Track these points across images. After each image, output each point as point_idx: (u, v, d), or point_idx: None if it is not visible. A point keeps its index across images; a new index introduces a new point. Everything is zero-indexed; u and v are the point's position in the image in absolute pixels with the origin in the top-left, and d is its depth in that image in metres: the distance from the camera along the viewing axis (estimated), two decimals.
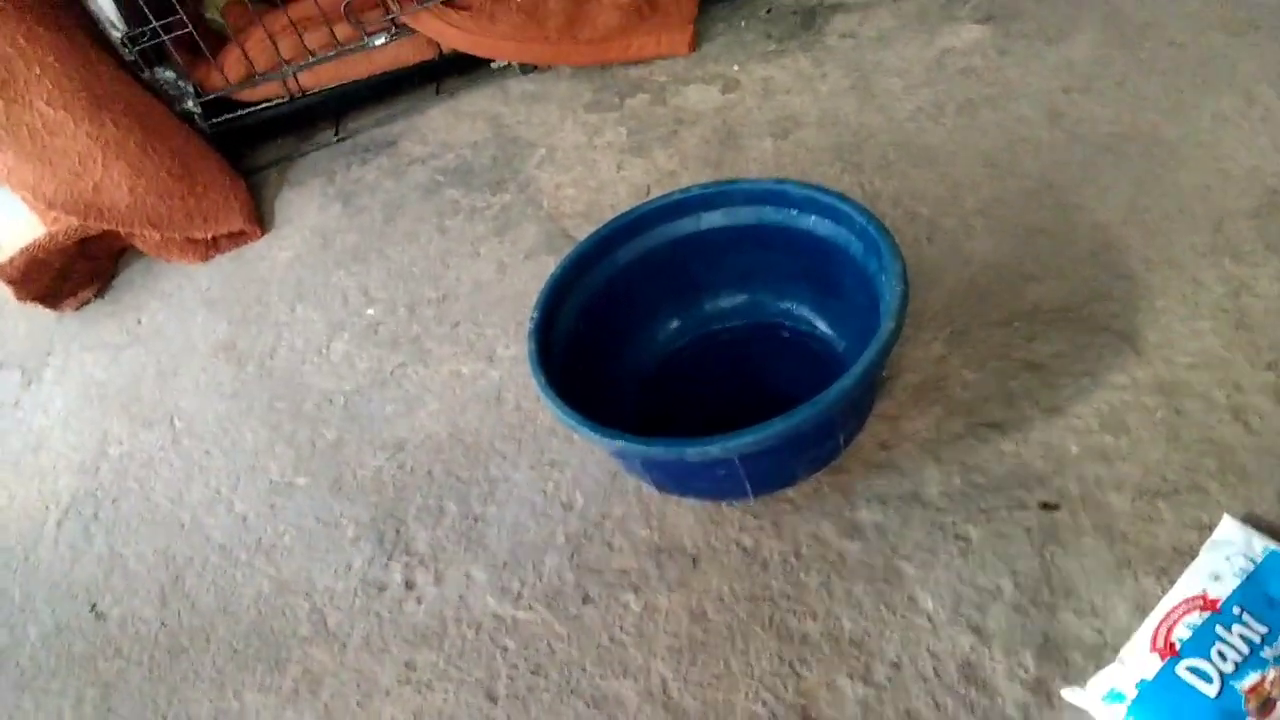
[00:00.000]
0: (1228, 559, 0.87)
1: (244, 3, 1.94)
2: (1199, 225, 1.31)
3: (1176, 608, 0.86)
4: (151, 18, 1.80)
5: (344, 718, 1.13)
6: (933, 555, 1.06)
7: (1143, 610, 0.94)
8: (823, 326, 1.30)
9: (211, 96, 1.94)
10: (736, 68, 1.86)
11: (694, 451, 1.03)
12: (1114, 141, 1.47)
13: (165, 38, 1.83)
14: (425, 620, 1.19)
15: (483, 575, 1.21)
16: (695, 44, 1.94)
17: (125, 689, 1.24)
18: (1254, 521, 0.95)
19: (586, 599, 1.15)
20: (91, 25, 1.82)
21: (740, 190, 1.28)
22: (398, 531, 1.29)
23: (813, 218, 1.23)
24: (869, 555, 1.08)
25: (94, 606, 1.34)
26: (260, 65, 1.92)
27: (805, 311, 1.32)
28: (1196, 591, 0.86)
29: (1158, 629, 0.85)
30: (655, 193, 1.61)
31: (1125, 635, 0.92)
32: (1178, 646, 0.83)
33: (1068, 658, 0.94)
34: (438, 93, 2.06)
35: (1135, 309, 1.23)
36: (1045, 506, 1.06)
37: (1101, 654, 0.93)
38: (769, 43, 1.90)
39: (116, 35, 1.81)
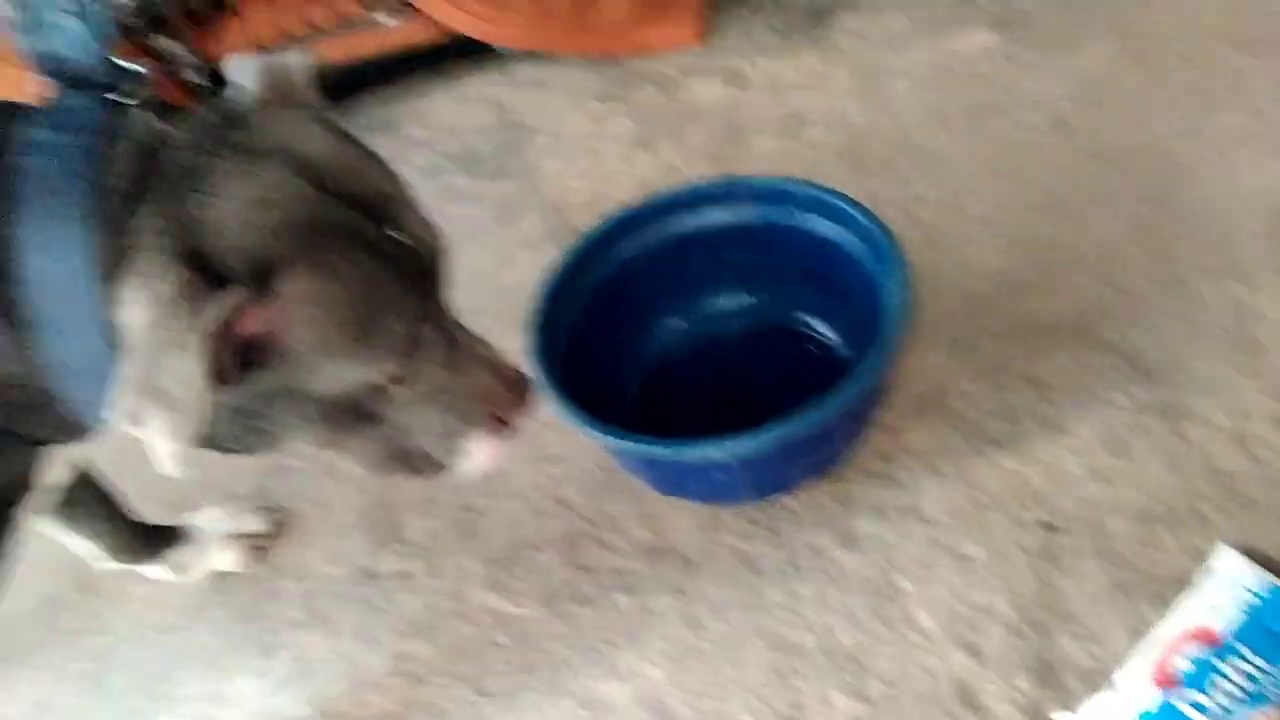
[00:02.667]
0: (1228, 591, 0.88)
1: None
2: (1206, 244, 1.30)
3: (1176, 639, 0.86)
4: None
5: (335, 705, 1.13)
6: (930, 571, 1.06)
7: (1139, 636, 0.94)
8: (825, 330, 1.30)
9: (212, 67, 1.91)
10: (745, 63, 1.85)
11: (693, 453, 1.03)
12: (1121, 155, 1.46)
13: (165, 9, 1.81)
14: (418, 611, 1.19)
15: (477, 568, 1.21)
16: (705, 37, 1.92)
17: (114, 666, 1.23)
18: (1255, 553, 0.95)
19: (580, 598, 1.15)
20: None
21: (746, 187, 1.27)
22: (392, 520, 1.29)
23: (817, 219, 1.23)
24: (866, 568, 1.09)
25: (88, 582, 1.33)
26: (264, 39, 1.90)
27: (808, 314, 1.32)
28: (1196, 623, 0.87)
29: (1159, 660, 0.85)
30: (660, 186, 1.60)
31: (1121, 662, 0.93)
32: (1178, 679, 0.83)
33: (1063, 682, 0.95)
34: (443, 76, 2.04)
35: (1139, 327, 1.23)
36: (1045, 527, 1.07)
37: (1097, 680, 0.93)
38: (778, 38, 1.88)
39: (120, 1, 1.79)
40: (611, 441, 1.08)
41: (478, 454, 0.88)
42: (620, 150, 1.74)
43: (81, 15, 0.74)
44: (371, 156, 0.81)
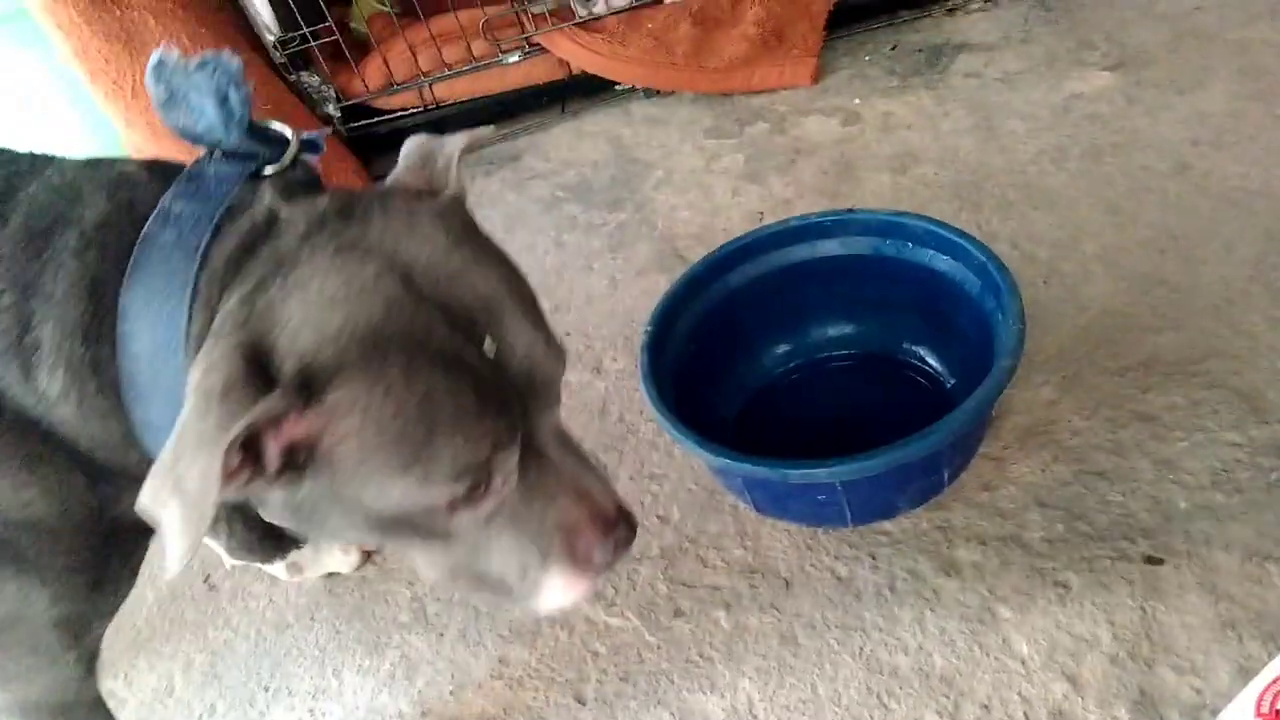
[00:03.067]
0: None
1: (388, 14, 2.04)
2: None
3: None
4: (302, 24, 1.91)
5: (436, 705, 1.17)
6: (1030, 599, 1.06)
7: (1246, 674, 0.92)
8: (933, 361, 1.31)
9: (351, 102, 2.03)
10: (858, 101, 1.88)
11: (798, 474, 1.05)
12: (1242, 197, 1.44)
13: (314, 44, 1.93)
14: (520, 619, 1.22)
15: None
16: (819, 76, 1.96)
17: (232, 658, 1.30)
18: None
19: (678, 612, 1.17)
20: (248, 28, 1.93)
21: (857, 220, 1.29)
22: None
23: (930, 252, 1.24)
24: (965, 594, 1.08)
25: (207, 578, 1.41)
26: (399, 75, 2.01)
27: (916, 345, 1.33)
28: None
29: (1262, 694, 0.83)
30: (769, 219, 1.64)
31: (1226, 698, 0.90)
32: None
33: (1163, 714, 0.93)
34: (563, 111, 2.12)
35: (1255, 367, 1.20)
36: (1149, 560, 1.05)
37: (1199, 715, 0.91)
38: (892, 78, 1.91)
39: (270, 39, 1.92)
40: (717, 460, 1.09)
41: (553, 591, 0.78)
42: (731, 184, 1.78)
43: (222, 102, 0.72)
44: (489, 260, 0.75)
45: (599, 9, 1.94)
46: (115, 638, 1.35)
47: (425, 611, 1.27)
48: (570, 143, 2.03)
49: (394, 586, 1.31)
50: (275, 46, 1.93)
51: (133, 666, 1.33)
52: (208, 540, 1.27)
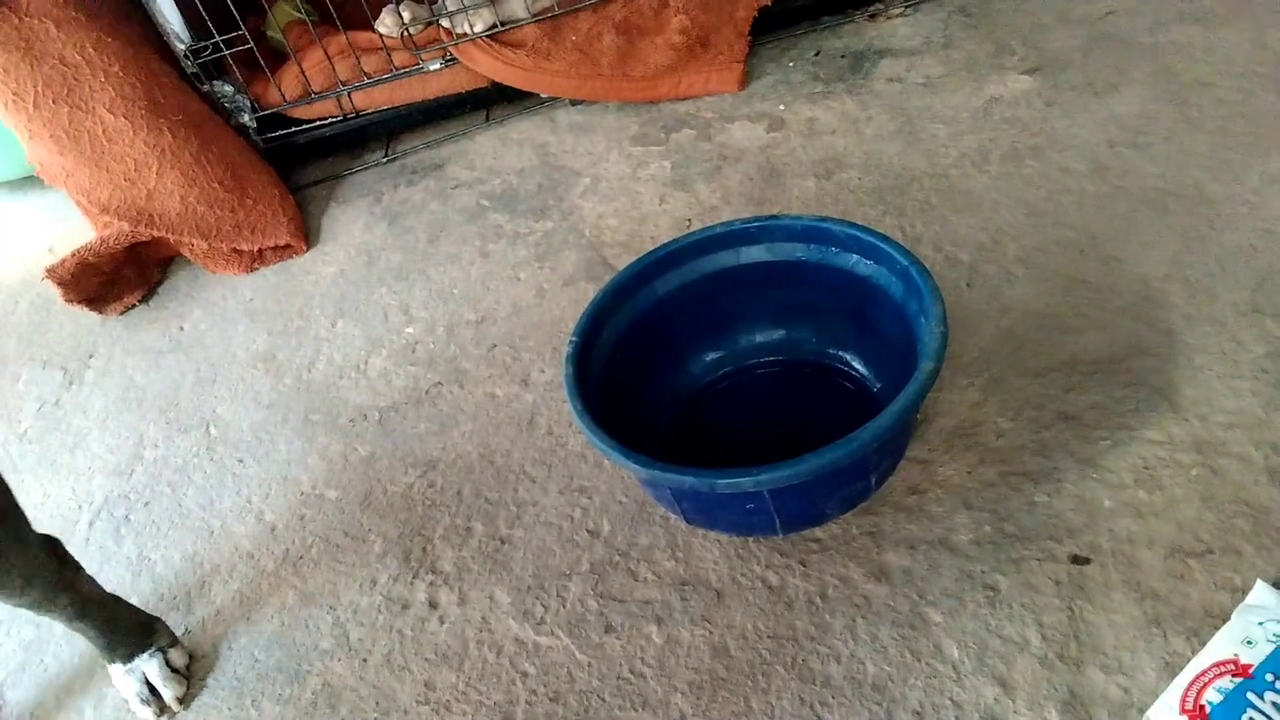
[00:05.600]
0: (1261, 624, 0.86)
1: (305, 23, 1.99)
2: (1241, 284, 1.29)
3: (1206, 670, 0.85)
4: (215, 32, 1.85)
5: None
6: (960, 603, 1.05)
7: (1172, 670, 0.93)
8: (859, 366, 1.31)
9: (267, 112, 1.98)
10: (782, 107, 1.88)
11: (725, 483, 1.03)
12: (1159, 197, 1.46)
13: (226, 52, 1.88)
14: (447, 640, 1.19)
15: (506, 598, 1.21)
16: (744, 83, 1.95)
17: None
18: None
19: (609, 628, 1.15)
20: (157, 37, 1.87)
21: (782, 226, 1.28)
22: (424, 550, 1.30)
23: (854, 257, 1.24)
24: (895, 600, 1.08)
25: None
26: (317, 85, 1.96)
27: (842, 350, 1.32)
28: (1228, 655, 0.85)
29: (1187, 690, 0.84)
30: (696, 226, 1.63)
31: (1152, 695, 0.91)
32: (1208, 710, 0.82)
33: (1093, 714, 0.93)
34: (487, 120, 2.09)
35: (1174, 365, 1.22)
36: (1075, 560, 1.05)
37: (1127, 713, 0.92)
38: (816, 84, 1.91)
39: (181, 48, 1.86)
40: (643, 471, 1.07)
41: None
42: (658, 191, 1.77)
43: None
44: None
45: (477, 28, 1.92)
46: None
47: (348, 637, 1.23)
48: (495, 151, 2.01)
49: (315, 612, 1.27)
50: (186, 56, 1.87)
51: (39, 705, 1.27)
52: None
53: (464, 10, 1.91)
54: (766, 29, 2.04)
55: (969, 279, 1.42)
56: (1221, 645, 0.87)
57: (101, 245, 1.82)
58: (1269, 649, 0.84)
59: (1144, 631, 0.98)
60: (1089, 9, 1.90)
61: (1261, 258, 1.32)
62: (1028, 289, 1.38)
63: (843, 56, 1.97)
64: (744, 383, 1.36)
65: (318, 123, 2.04)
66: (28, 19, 1.68)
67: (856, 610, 1.08)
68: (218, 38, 1.86)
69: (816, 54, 2.00)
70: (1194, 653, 0.91)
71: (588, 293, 1.46)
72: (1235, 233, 1.37)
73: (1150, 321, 1.28)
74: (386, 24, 1.94)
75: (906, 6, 2.05)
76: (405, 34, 1.94)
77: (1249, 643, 0.85)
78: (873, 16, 2.05)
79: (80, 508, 1.52)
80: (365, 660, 1.20)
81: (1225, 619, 0.92)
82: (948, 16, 1.99)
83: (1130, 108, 1.64)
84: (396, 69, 1.97)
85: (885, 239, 1.19)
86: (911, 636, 1.04)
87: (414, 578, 1.27)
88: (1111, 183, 1.51)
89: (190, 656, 1.27)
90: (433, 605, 1.23)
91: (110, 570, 1.40)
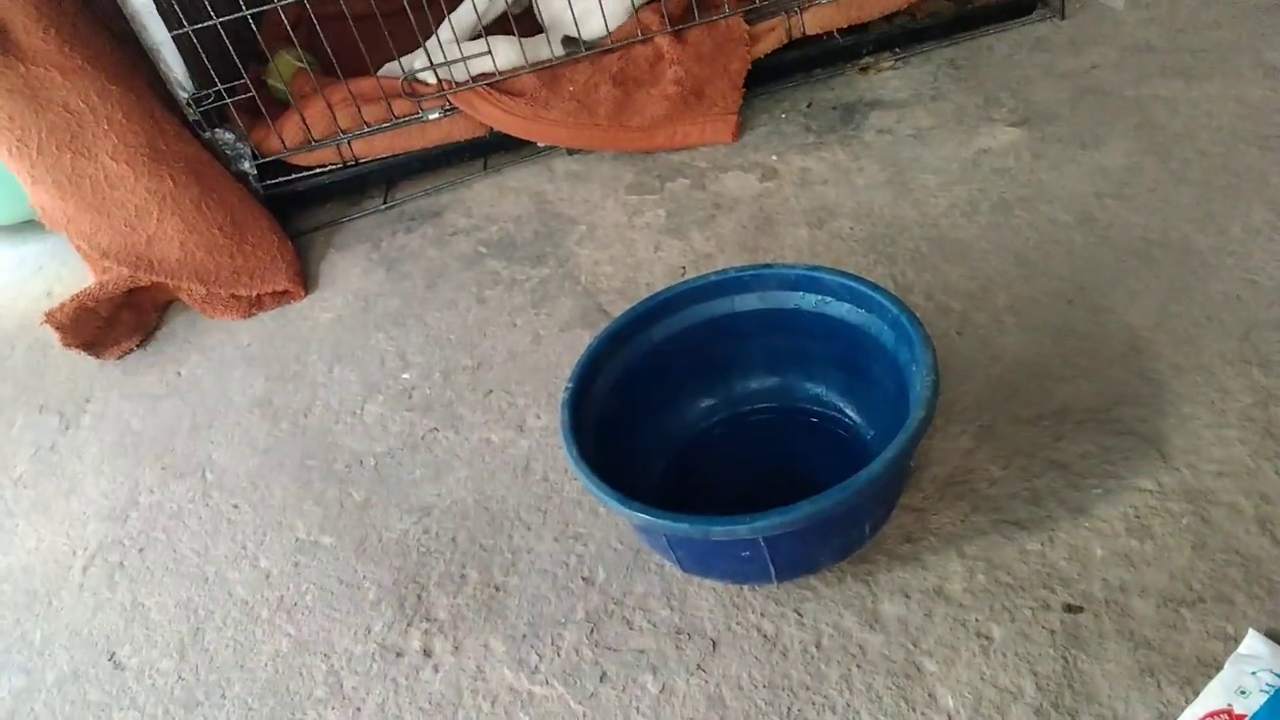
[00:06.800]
0: (1254, 674, 0.87)
1: (307, 71, 2.02)
2: (1228, 334, 1.32)
3: None
4: (217, 80, 1.88)
5: None
6: (954, 652, 1.06)
7: None
8: (852, 414, 1.32)
9: (267, 159, 2.01)
10: (775, 158, 1.91)
11: (720, 530, 1.04)
12: (1145, 247, 1.49)
13: (228, 100, 1.91)
14: (441, 689, 1.19)
15: (501, 646, 1.21)
16: (738, 134, 1.99)
17: None
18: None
19: (604, 677, 1.15)
20: (160, 84, 1.90)
21: (775, 275, 1.30)
22: (419, 597, 1.30)
23: (846, 305, 1.25)
24: (890, 649, 1.08)
25: (112, 655, 1.35)
26: (317, 132, 1.99)
27: (835, 398, 1.34)
28: (1221, 705, 0.86)
29: None
30: (690, 274, 1.64)
31: None
32: None
33: None
34: (485, 168, 2.12)
35: (1163, 414, 1.24)
36: (1069, 609, 1.06)
37: None
38: (808, 135, 1.94)
39: (183, 96, 1.89)
40: (639, 518, 1.08)
41: None
42: (653, 239, 1.79)
43: None
44: None
45: (422, 73, 1.97)
46: None
47: (342, 685, 1.23)
48: (492, 198, 2.03)
49: (309, 660, 1.27)
50: (189, 103, 1.89)
51: None
52: None
53: (462, 60, 1.94)
54: (760, 81, 2.07)
55: (960, 327, 1.44)
56: (1215, 695, 0.88)
57: (101, 290, 1.83)
58: (1262, 698, 0.85)
59: (1138, 681, 0.98)
60: (1075, 63, 1.94)
61: (1246, 308, 1.34)
62: (1018, 337, 1.40)
63: (834, 108, 2.00)
64: (738, 429, 1.37)
65: (317, 170, 2.06)
66: (34, 67, 1.70)
67: (852, 659, 1.08)
68: (219, 85, 1.89)
69: (809, 105, 2.03)
70: (1188, 702, 0.92)
71: (583, 339, 1.48)
72: (1220, 283, 1.39)
73: (1139, 371, 1.30)
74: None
75: (896, 59, 2.09)
76: (405, 82, 1.97)
77: (1242, 692, 0.86)
78: (863, 69, 2.09)
79: (74, 553, 1.52)
80: (359, 709, 1.19)
81: (1218, 668, 0.92)
82: (937, 69, 2.03)
83: (1116, 160, 1.67)
84: (396, 118, 2.00)
85: (876, 288, 1.21)
86: (906, 686, 1.04)
87: (408, 625, 1.27)
88: (1099, 233, 1.54)
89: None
90: (427, 653, 1.23)
91: (104, 616, 1.40)
